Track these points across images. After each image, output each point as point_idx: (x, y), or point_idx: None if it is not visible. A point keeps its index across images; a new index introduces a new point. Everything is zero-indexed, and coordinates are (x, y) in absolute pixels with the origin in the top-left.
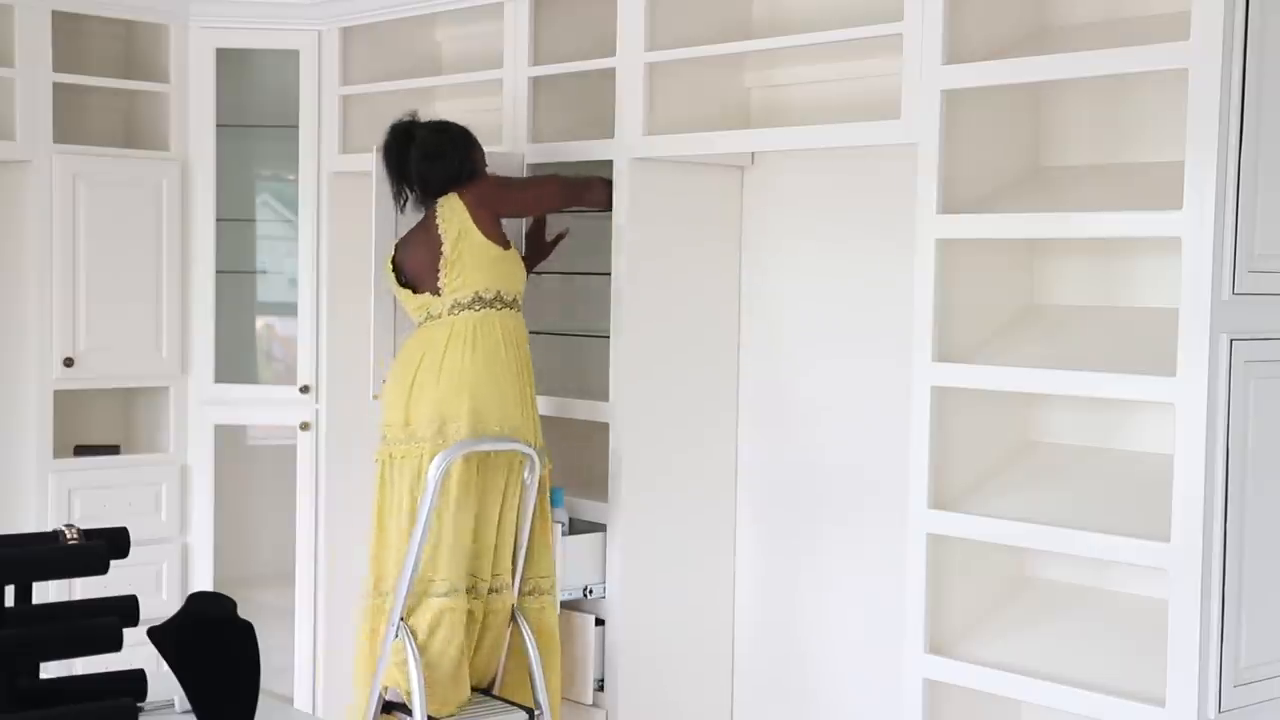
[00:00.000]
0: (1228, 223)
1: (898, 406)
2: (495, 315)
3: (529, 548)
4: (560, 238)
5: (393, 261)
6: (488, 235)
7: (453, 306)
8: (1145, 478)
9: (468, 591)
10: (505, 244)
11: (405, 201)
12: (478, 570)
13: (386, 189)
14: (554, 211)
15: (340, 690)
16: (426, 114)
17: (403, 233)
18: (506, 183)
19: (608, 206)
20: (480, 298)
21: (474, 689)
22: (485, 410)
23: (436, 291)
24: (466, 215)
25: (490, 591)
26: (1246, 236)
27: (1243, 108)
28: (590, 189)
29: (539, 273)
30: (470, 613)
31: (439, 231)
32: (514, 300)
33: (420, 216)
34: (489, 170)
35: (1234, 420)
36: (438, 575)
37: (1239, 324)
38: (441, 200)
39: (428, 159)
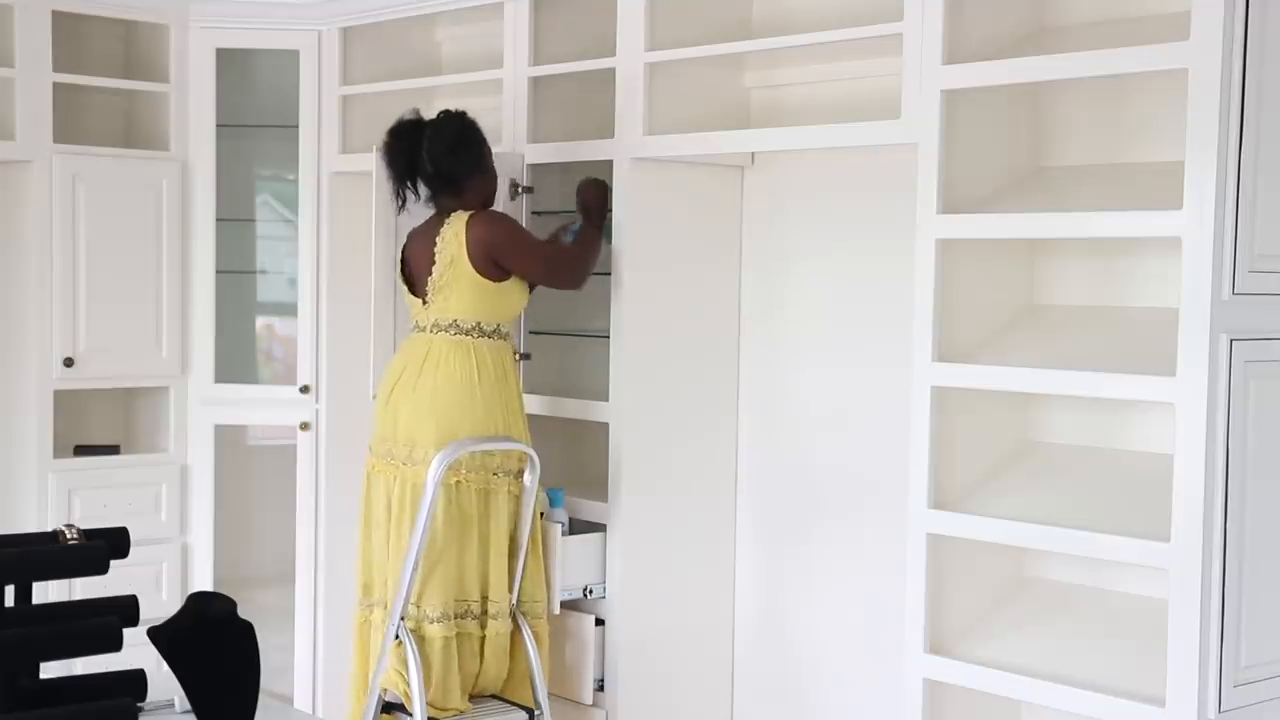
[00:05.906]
0: (1228, 223)
1: (898, 406)
2: (470, 342)
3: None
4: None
5: (402, 252)
6: (479, 270)
7: (434, 326)
8: (1145, 478)
9: (459, 617)
10: (498, 277)
11: (404, 202)
12: (466, 594)
13: (387, 189)
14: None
15: (340, 690)
16: (426, 114)
17: (414, 224)
18: (521, 242)
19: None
20: (457, 324)
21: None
22: (456, 435)
23: (425, 301)
24: (463, 247)
25: (484, 615)
26: (1246, 236)
27: (1243, 108)
28: (593, 246)
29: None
30: (469, 634)
31: (435, 250)
32: (495, 330)
33: (427, 213)
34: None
35: (1234, 420)
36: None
37: (1239, 324)
38: (453, 217)
39: (451, 151)
